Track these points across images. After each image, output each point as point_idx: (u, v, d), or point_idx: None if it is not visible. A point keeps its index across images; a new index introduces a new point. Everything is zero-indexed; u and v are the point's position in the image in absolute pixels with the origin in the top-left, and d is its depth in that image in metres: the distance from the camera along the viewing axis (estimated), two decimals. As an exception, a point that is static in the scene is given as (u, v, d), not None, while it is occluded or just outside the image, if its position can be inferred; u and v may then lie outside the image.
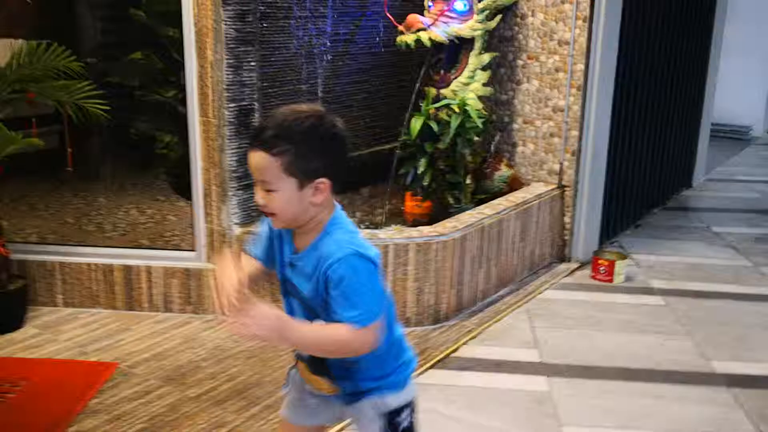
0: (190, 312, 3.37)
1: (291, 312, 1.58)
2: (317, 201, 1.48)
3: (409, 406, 1.66)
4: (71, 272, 3.35)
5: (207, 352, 3.05)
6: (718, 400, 2.76)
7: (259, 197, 1.48)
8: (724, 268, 4.16)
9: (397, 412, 1.63)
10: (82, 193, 3.97)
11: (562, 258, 4.14)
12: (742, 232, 4.81)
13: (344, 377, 1.59)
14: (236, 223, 3.27)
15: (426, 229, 3.28)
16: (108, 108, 3.05)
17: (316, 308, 1.51)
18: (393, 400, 1.62)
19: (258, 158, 1.44)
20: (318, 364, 1.59)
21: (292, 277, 1.55)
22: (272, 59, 3.25)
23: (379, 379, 1.60)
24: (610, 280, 3.87)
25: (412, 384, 1.67)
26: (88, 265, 3.34)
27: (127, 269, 3.33)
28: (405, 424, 1.65)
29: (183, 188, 3.34)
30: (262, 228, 1.64)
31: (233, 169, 3.18)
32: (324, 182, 1.46)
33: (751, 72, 7.85)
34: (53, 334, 3.15)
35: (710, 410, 2.69)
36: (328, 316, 1.48)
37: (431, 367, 2.95)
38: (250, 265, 1.61)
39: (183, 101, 3.19)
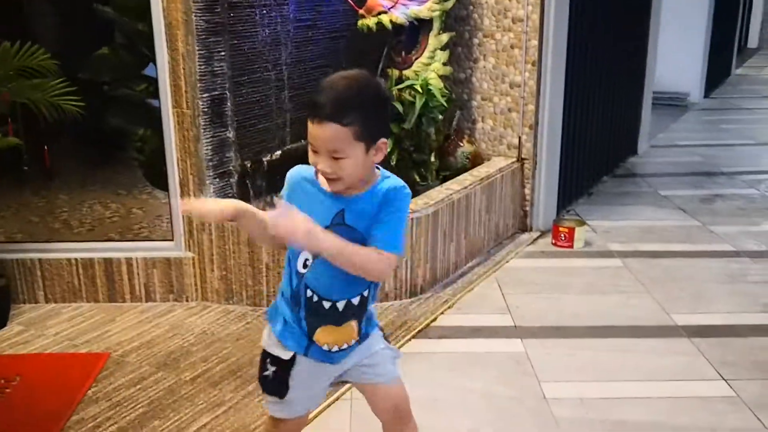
0: (173, 300, 3.43)
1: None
2: (379, 159, 1.61)
3: None
4: (51, 268, 3.38)
5: (195, 337, 3.13)
6: (681, 350, 2.98)
7: (325, 165, 1.55)
8: (676, 228, 4.40)
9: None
10: (45, 190, 3.96)
11: (524, 228, 4.33)
12: (689, 194, 5.07)
13: (366, 318, 1.77)
14: (214, 211, 3.33)
15: (399, 207, 3.39)
16: (82, 105, 3.08)
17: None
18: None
19: (330, 130, 1.52)
20: (360, 307, 1.72)
21: (343, 225, 1.61)
22: (240, 48, 3.32)
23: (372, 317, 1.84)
24: (571, 246, 4.06)
25: None
26: (68, 260, 3.38)
27: (108, 262, 3.38)
28: None
29: (158, 179, 3.39)
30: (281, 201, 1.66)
31: (209, 157, 3.24)
32: (385, 141, 1.59)
33: (686, 41, 8.16)
34: (40, 330, 3.19)
35: (675, 360, 2.90)
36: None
37: (413, 337, 3.09)
38: None
39: (153, 94, 3.23)
